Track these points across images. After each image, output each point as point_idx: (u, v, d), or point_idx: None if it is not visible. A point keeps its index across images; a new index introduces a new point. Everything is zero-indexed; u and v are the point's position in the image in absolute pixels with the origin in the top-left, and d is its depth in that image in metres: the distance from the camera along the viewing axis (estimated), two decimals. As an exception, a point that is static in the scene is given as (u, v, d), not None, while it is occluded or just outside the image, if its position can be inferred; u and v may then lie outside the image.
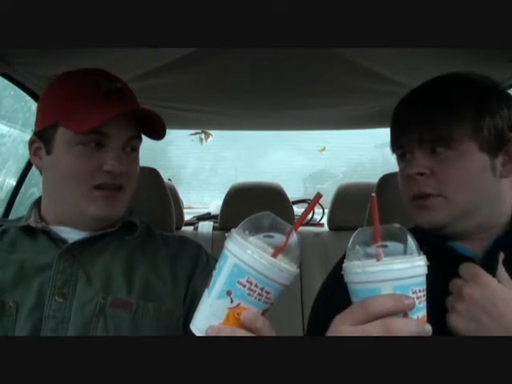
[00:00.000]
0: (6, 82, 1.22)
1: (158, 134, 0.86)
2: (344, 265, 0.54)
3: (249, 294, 0.51)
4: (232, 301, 0.51)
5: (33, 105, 0.92)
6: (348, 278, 0.53)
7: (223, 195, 1.84)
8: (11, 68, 1.14)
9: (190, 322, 0.55)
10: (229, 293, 0.51)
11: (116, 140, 0.80)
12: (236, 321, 0.51)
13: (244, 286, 0.51)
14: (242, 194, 1.82)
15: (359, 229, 0.55)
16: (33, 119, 0.89)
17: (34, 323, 0.73)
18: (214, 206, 2.60)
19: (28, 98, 1.37)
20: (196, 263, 0.86)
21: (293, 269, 0.52)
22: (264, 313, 0.53)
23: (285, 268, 0.51)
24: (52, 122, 0.81)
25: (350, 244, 0.54)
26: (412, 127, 0.76)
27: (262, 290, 0.51)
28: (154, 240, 0.89)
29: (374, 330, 0.50)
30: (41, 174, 0.88)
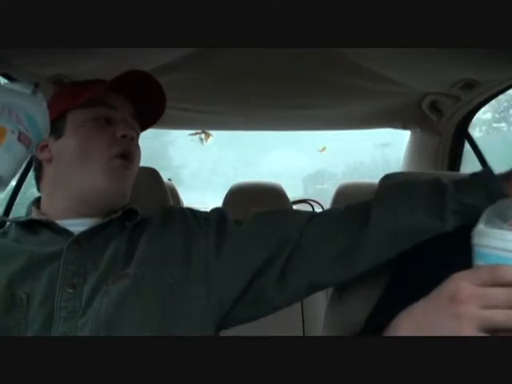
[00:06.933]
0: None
1: (158, 105, 0.93)
2: (478, 228, 0.52)
3: None
4: None
5: (33, 104, 0.93)
6: (481, 242, 0.52)
7: (223, 195, 1.84)
8: (11, 68, 1.14)
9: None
10: None
11: (122, 111, 0.88)
12: None
13: None
14: (241, 194, 1.81)
15: (499, 200, 0.55)
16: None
17: (46, 313, 0.74)
18: (214, 206, 2.59)
19: (28, 97, 1.37)
20: (187, 225, 0.88)
21: None
22: None
23: None
24: (60, 111, 0.86)
25: (487, 211, 0.53)
26: None
27: None
28: (148, 221, 0.90)
29: (496, 295, 0.48)
30: (36, 180, 0.89)
